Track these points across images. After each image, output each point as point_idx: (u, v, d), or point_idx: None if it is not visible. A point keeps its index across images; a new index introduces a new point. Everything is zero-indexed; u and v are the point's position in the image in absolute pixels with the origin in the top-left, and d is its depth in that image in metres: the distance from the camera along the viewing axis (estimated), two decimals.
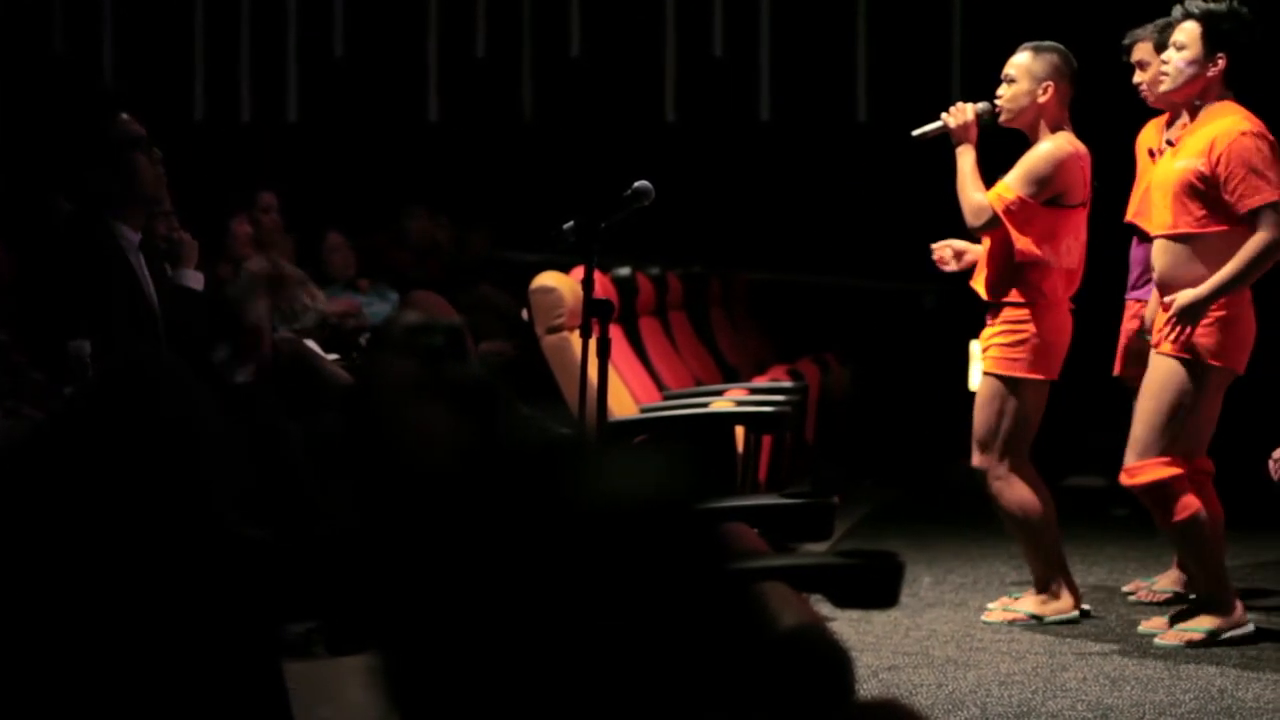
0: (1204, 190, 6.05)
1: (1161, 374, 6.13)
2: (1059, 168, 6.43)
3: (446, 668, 1.16)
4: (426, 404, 1.45)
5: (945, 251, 6.73)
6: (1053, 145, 6.46)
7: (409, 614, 1.24)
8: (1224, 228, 6.06)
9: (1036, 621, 6.52)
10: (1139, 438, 6.16)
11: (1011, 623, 6.52)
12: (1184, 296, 6.05)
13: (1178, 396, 6.10)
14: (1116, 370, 6.93)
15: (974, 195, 6.45)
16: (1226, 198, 6.02)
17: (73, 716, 4.00)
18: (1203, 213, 6.07)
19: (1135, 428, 6.18)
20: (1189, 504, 6.13)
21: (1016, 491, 6.53)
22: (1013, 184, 6.44)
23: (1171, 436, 6.13)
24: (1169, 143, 6.31)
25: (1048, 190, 6.43)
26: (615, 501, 1.13)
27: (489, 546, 1.14)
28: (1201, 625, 6.16)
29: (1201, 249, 6.09)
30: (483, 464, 1.21)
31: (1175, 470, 6.12)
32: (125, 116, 5.44)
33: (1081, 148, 6.50)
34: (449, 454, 1.29)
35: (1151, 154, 6.63)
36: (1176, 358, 6.10)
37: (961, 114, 6.53)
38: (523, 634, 1.10)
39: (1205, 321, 6.06)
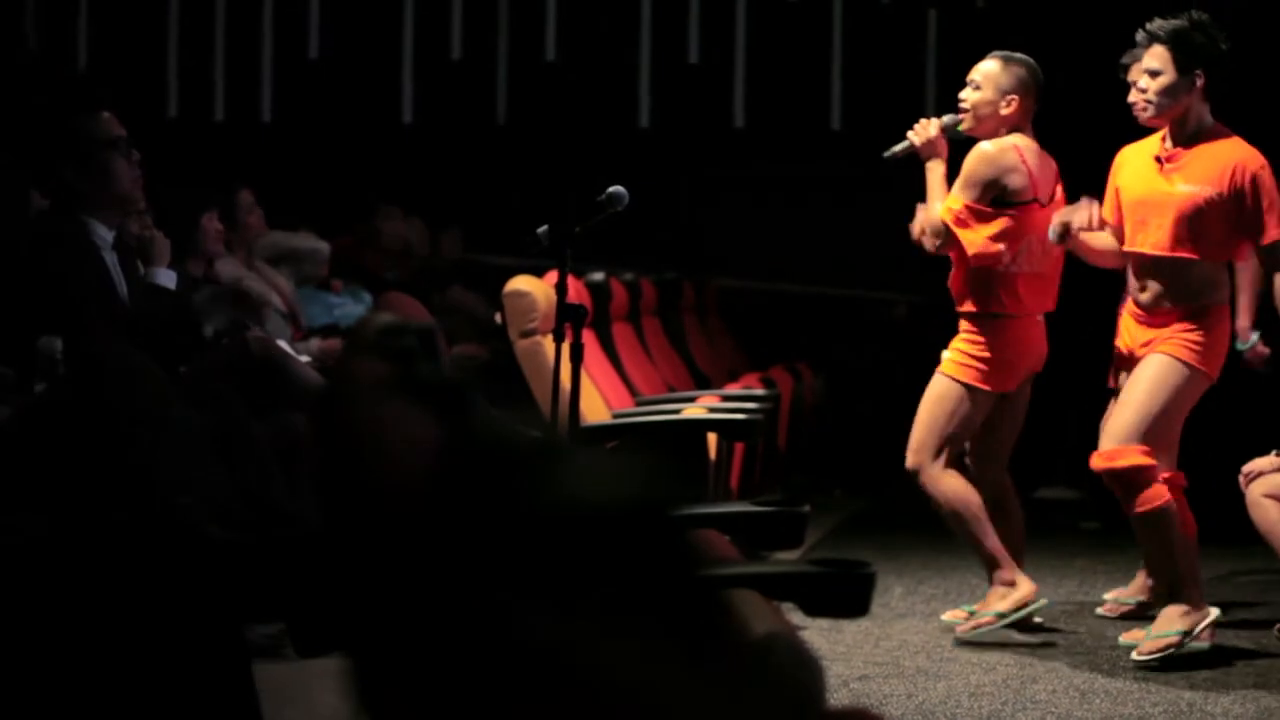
0: (1213, 217, 6.05)
1: (1162, 371, 6.13)
2: (994, 166, 6.38)
3: (416, 670, 1.14)
4: (398, 404, 1.44)
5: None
6: (989, 145, 6.43)
7: (378, 616, 1.22)
8: (1221, 258, 6.16)
9: (1001, 619, 6.47)
10: (1123, 424, 6.12)
11: (983, 632, 6.49)
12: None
13: (1171, 396, 6.12)
14: (1111, 383, 6.91)
15: (934, 214, 6.44)
16: (1247, 226, 6.05)
17: (40, 715, 3.98)
18: (1205, 239, 6.10)
19: (1121, 415, 6.15)
20: (1159, 494, 6.09)
21: (949, 485, 6.50)
22: (957, 192, 6.43)
23: (1154, 431, 6.13)
24: (1159, 159, 6.23)
25: (990, 190, 6.40)
26: (586, 505, 1.11)
27: (459, 548, 1.13)
28: (1174, 627, 6.07)
29: (1195, 274, 6.12)
30: (454, 465, 1.19)
31: (1151, 461, 6.10)
32: (107, 116, 5.42)
33: (1030, 143, 6.46)
34: (420, 455, 1.27)
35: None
36: (1179, 360, 6.12)
37: (925, 130, 6.52)
38: (492, 636, 1.09)
39: (1200, 331, 6.12)
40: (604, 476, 1.16)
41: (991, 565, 6.55)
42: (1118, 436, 6.12)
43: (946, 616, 6.75)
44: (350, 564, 1.31)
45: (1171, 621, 6.10)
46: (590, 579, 1.10)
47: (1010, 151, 6.40)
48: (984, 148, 6.43)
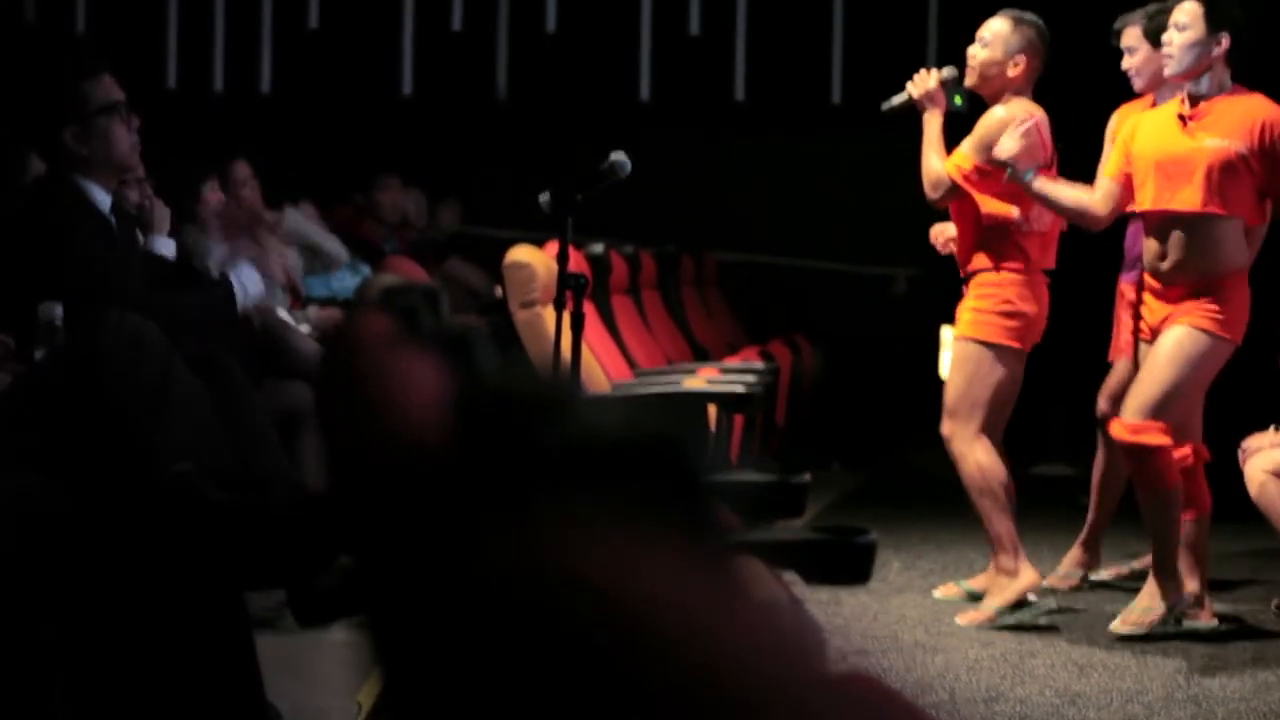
0: (1243, 171, 6.00)
1: (1183, 343, 6.04)
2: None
3: (435, 623, 1.13)
4: (405, 353, 1.42)
5: (940, 238, 6.75)
6: (1004, 110, 6.42)
7: (397, 570, 1.21)
8: (1246, 214, 6.05)
9: (1001, 614, 6.40)
10: (1146, 398, 6.02)
11: (983, 624, 6.44)
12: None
13: (1193, 368, 6.03)
14: (1110, 356, 6.88)
15: (933, 165, 6.42)
16: (1273, 183, 6.00)
17: (37, 684, 3.97)
18: (1234, 195, 6.01)
19: (1144, 388, 6.05)
20: (1173, 477, 6.05)
21: (978, 456, 6.41)
22: (968, 151, 6.41)
23: (1177, 405, 6.06)
24: (1182, 118, 6.15)
25: None
26: (606, 440, 1.10)
27: (476, 494, 1.12)
28: (1156, 604, 6.09)
29: (1220, 234, 6.03)
30: (466, 409, 1.18)
31: (1169, 441, 6.02)
32: (106, 79, 5.39)
33: (1036, 110, 6.44)
34: (430, 402, 1.26)
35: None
36: (1200, 330, 6.03)
37: (924, 82, 6.52)
38: (512, 585, 1.07)
39: (1218, 300, 6.03)
40: (621, 414, 1.15)
41: (1000, 549, 6.49)
42: (1141, 410, 6.02)
43: (939, 593, 6.74)
44: (363, 518, 1.30)
45: (1154, 599, 6.09)
46: (614, 514, 1.09)
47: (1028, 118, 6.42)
48: (999, 112, 6.41)
